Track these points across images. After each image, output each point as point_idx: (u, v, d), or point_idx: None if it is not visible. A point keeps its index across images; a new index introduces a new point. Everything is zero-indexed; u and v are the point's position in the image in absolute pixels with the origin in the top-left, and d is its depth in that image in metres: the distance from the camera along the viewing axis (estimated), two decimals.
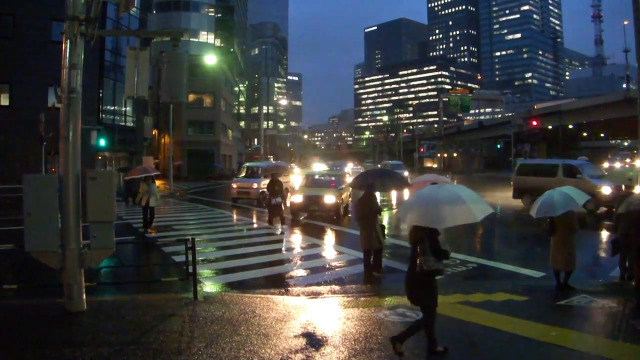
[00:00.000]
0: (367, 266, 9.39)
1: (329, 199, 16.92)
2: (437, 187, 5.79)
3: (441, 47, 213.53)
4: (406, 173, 17.86)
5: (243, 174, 24.44)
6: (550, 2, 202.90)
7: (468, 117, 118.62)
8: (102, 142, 26.40)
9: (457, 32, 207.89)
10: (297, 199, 17.26)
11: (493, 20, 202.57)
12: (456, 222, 5.08)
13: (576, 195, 7.82)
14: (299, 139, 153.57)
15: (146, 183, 14.63)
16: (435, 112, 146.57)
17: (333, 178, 19.48)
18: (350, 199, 19.51)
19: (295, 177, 28.72)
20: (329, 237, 14.20)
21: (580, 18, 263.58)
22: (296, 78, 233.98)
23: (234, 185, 23.23)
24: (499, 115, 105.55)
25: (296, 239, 13.75)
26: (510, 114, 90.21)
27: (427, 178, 10.85)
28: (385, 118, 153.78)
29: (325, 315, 6.79)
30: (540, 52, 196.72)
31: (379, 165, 39.01)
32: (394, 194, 23.03)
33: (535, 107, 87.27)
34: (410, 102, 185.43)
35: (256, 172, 23.49)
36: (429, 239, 5.01)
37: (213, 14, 63.56)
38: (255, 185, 22.16)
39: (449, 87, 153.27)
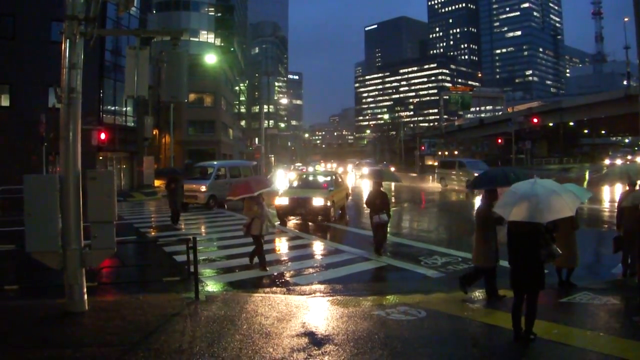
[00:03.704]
0: (492, 292, 7.45)
1: (317, 201, 15.52)
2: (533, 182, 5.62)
3: (441, 45, 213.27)
4: None
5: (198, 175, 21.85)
6: None
7: (468, 115, 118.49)
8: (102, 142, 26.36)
9: (458, 30, 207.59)
10: (282, 201, 16.05)
11: (493, 17, 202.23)
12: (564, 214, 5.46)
13: (579, 192, 7.80)
14: (300, 138, 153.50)
15: (256, 202, 9.85)
16: (436, 110, 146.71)
17: (327, 179, 18.11)
18: (347, 201, 18.97)
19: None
20: (330, 236, 14.16)
21: (580, 15, 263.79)
22: (297, 77, 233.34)
23: None
24: (500, 113, 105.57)
25: (297, 238, 13.73)
26: (510, 112, 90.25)
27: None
28: (386, 116, 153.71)
29: (327, 314, 6.77)
30: (540, 50, 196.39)
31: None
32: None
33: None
34: (410, 101, 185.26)
35: (207, 173, 21.00)
36: (547, 229, 5.56)
37: (213, 14, 63.49)
38: (203, 188, 19.94)
39: (449, 85, 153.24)
